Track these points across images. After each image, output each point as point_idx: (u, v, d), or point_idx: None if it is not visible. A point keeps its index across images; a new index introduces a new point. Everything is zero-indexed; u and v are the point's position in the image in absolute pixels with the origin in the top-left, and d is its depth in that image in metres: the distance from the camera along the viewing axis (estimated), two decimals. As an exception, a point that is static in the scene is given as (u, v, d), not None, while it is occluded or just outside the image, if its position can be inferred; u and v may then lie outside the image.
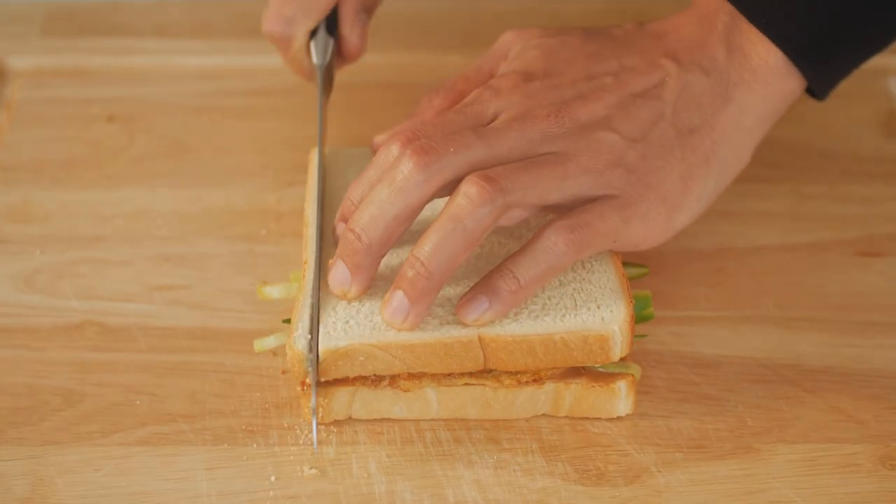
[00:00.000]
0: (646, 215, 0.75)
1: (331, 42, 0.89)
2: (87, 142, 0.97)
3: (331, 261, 0.75)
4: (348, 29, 0.90)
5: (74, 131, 0.98)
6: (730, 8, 0.79)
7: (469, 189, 0.71)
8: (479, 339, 0.72)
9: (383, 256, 0.74)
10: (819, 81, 0.79)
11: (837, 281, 0.86)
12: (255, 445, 0.74)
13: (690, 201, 0.77)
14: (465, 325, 0.73)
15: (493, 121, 0.76)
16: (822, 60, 0.78)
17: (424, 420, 0.76)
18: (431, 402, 0.75)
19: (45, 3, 1.10)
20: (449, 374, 0.74)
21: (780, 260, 0.87)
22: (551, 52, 0.81)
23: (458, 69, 0.87)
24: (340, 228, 0.76)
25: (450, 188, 0.73)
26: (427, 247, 0.71)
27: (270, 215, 0.90)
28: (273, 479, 0.73)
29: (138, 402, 0.77)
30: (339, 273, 0.74)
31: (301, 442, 0.75)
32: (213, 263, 0.87)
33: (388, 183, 0.72)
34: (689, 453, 0.74)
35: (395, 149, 0.73)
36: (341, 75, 1.00)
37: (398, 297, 0.72)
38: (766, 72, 0.78)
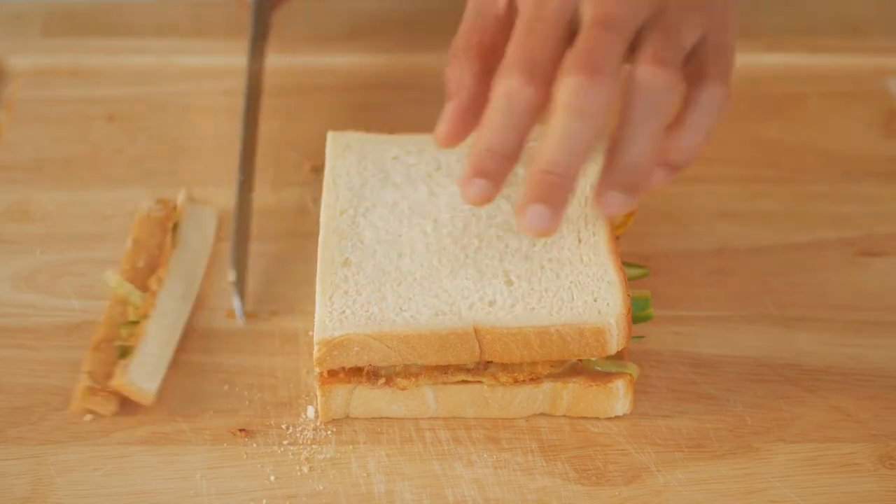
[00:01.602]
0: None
1: None
2: (87, 142, 0.97)
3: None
4: None
5: (74, 131, 0.98)
6: None
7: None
8: (475, 330, 0.72)
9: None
10: None
11: (837, 281, 0.86)
12: (254, 445, 0.74)
13: None
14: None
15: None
16: None
17: (424, 419, 0.76)
18: (429, 400, 0.75)
19: (45, 3, 1.10)
20: (446, 371, 0.74)
21: (780, 260, 0.87)
22: None
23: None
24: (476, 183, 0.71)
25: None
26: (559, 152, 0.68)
27: (270, 215, 0.90)
28: (272, 478, 0.73)
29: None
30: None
31: (300, 441, 0.75)
32: (213, 263, 0.87)
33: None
34: (688, 453, 0.74)
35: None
36: (342, 75, 1.00)
37: (537, 209, 0.69)
38: None
